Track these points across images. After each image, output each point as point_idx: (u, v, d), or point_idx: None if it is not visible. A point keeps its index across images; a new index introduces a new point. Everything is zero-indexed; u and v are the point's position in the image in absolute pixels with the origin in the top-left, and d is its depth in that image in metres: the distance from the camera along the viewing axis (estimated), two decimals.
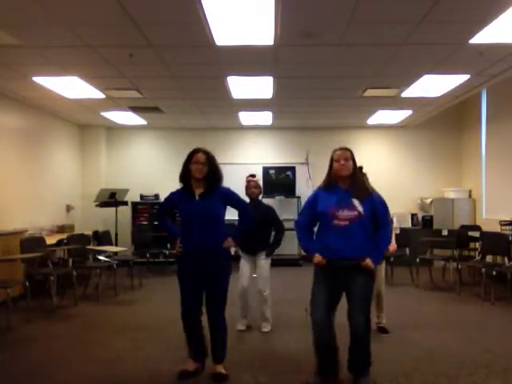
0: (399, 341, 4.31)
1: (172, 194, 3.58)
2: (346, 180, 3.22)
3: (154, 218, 9.30)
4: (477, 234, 7.30)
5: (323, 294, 3.20)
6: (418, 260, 7.01)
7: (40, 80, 5.90)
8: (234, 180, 10.91)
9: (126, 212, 9.08)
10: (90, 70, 5.48)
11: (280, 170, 9.71)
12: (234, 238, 3.55)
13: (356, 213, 3.12)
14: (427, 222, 9.07)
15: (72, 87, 6.24)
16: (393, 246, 4.63)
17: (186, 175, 3.45)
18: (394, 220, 4.84)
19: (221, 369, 3.42)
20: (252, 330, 4.68)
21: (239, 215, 3.65)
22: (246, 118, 8.67)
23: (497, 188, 8.13)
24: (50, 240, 6.57)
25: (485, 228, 7.70)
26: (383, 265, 4.66)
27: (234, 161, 9.57)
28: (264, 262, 4.64)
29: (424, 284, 6.98)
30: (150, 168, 9.68)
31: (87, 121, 8.99)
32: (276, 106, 7.69)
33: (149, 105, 7.46)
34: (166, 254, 8.40)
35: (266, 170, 9.57)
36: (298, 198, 9.44)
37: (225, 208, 3.51)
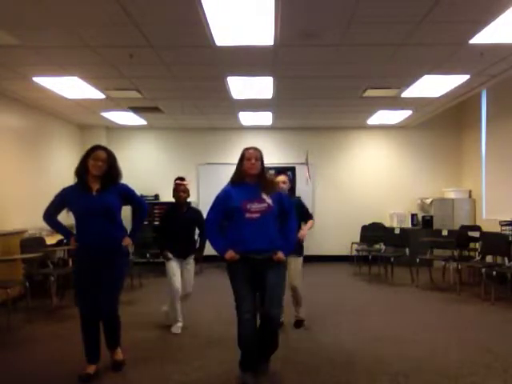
0: (399, 341, 4.31)
1: (64, 190, 3.47)
2: (254, 178, 3.37)
3: (153, 218, 9.31)
4: (477, 235, 7.30)
5: (247, 289, 3.28)
6: (418, 260, 7.01)
7: (40, 80, 5.90)
8: None
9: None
10: (90, 70, 5.47)
11: (280, 170, 9.68)
12: (132, 237, 3.55)
13: (266, 205, 3.29)
14: (427, 222, 9.06)
15: (72, 87, 6.24)
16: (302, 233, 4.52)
17: (82, 170, 3.40)
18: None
19: (120, 354, 3.57)
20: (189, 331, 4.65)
21: (135, 212, 3.66)
22: (246, 118, 8.67)
23: (497, 188, 8.13)
24: (50, 240, 6.57)
25: (485, 228, 7.70)
26: (300, 259, 4.63)
27: (233, 161, 9.45)
28: (191, 265, 4.70)
29: (424, 284, 6.98)
30: (150, 168, 9.67)
31: (87, 121, 8.99)
32: (276, 107, 7.69)
33: (149, 105, 7.46)
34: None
35: (265, 170, 9.56)
36: (298, 198, 9.42)
37: (122, 204, 3.48)
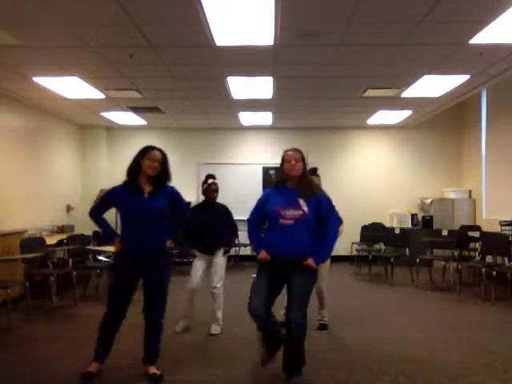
0: (399, 341, 4.31)
1: (114, 189, 3.40)
2: (295, 180, 3.30)
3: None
4: (477, 235, 7.30)
5: (263, 283, 3.27)
6: (418, 260, 7.01)
7: (40, 80, 5.90)
8: (234, 180, 10.90)
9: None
10: (90, 70, 5.48)
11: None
12: (171, 237, 3.55)
13: (301, 212, 3.21)
14: (427, 222, 9.06)
15: (72, 87, 6.24)
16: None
17: (135, 170, 3.34)
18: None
19: (155, 369, 3.41)
20: (191, 331, 4.61)
21: (175, 215, 3.57)
22: (246, 118, 8.67)
23: (497, 188, 8.13)
24: (50, 240, 6.58)
25: (485, 228, 7.70)
26: (327, 263, 4.58)
27: (234, 161, 9.57)
28: (221, 259, 4.64)
29: (424, 284, 6.98)
30: None
31: (87, 121, 8.99)
32: (276, 107, 7.69)
33: (149, 105, 7.46)
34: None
35: (265, 170, 9.58)
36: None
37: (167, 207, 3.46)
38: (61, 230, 7.82)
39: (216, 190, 4.67)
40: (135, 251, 3.32)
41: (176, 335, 4.47)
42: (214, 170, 9.66)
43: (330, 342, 4.31)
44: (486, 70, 5.59)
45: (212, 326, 4.58)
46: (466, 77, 5.90)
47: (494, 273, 5.83)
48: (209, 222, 4.59)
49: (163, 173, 3.38)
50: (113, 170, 9.73)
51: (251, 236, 3.47)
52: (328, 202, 3.35)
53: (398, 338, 4.38)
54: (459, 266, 6.68)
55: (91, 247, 6.92)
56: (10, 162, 6.83)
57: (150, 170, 3.30)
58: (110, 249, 7.14)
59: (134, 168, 3.35)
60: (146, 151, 3.35)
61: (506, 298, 5.88)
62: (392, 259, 7.28)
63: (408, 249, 7.37)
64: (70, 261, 6.31)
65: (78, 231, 7.89)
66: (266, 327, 3.31)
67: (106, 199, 3.48)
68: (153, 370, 3.40)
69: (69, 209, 8.67)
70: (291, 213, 3.21)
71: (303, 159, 3.34)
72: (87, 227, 8.43)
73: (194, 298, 4.62)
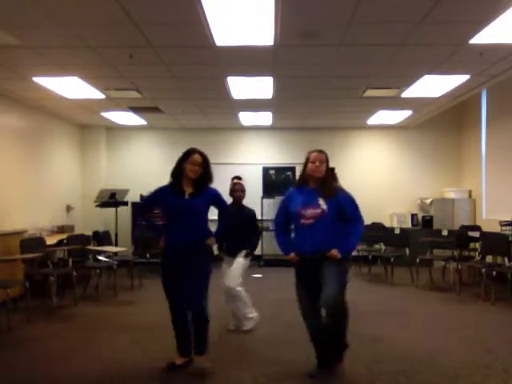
0: (399, 341, 4.31)
1: (159, 190, 3.61)
2: (318, 181, 3.35)
3: (154, 218, 9.30)
4: (477, 235, 7.29)
5: (304, 289, 3.38)
6: (418, 260, 7.00)
7: (40, 80, 5.90)
8: None
9: (126, 212, 9.07)
10: (90, 70, 5.48)
11: (280, 170, 9.72)
12: (215, 237, 3.64)
13: (320, 211, 3.27)
14: (427, 222, 9.06)
15: (72, 87, 6.24)
16: None
17: (178, 173, 3.51)
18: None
19: (202, 361, 3.49)
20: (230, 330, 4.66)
21: (220, 216, 3.75)
22: (246, 118, 8.67)
23: (497, 188, 8.13)
24: (50, 240, 6.57)
25: (485, 228, 7.70)
26: None
27: (234, 161, 9.58)
28: (241, 259, 4.64)
29: (424, 284, 6.98)
30: (150, 168, 9.66)
31: (87, 121, 8.99)
32: (276, 107, 7.69)
33: (149, 105, 7.46)
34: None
35: (265, 170, 9.58)
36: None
37: (209, 207, 3.61)
38: (61, 230, 7.81)
39: (240, 190, 4.69)
40: (176, 248, 3.47)
41: (226, 333, 4.52)
42: (214, 170, 9.68)
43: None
44: (486, 70, 5.59)
45: (238, 323, 4.64)
46: (466, 77, 5.90)
47: (494, 273, 5.83)
48: (234, 224, 4.51)
49: (205, 175, 3.52)
50: (113, 170, 9.75)
51: (278, 237, 3.53)
52: (352, 201, 3.39)
53: (398, 338, 4.38)
54: (459, 266, 6.67)
55: (91, 247, 6.93)
56: (9, 162, 6.83)
57: (191, 174, 3.47)
58: (110, 249, 7.16)
59: (177, 171, 3.52)
60: (187, 155, 3.50)
61: (506, 298, 5.87)
62: (392, 259, 7.28)
63: (408, 249, 7.36)
64: (70, 261, 6.31)
65: (77, 231, 7.90)
66: (318, 331, 3.37)
67: (152, 198, 3.68)
68: (200, 361, 3.50)
69: (69, 209, 8.67)
70: (311, 212, 3.27)
71: (327, 160, 3.39)
72: (87, 227, 8.48)
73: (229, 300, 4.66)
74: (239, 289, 4.58)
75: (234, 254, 4.65)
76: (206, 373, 3.44)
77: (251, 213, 4.80)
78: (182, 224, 3.46)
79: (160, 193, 3.59)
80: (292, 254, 3.38)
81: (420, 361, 3.77)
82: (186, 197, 3.48)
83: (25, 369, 3.68)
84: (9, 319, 4.75)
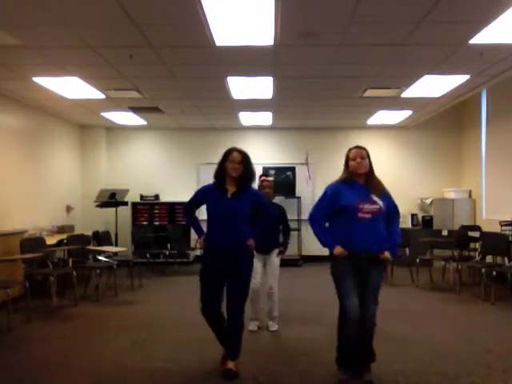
0: (399, 341, 4.31)
1: (205, 188, 3.63)
2: (363, 177, 3.31)
3: (154, 218, 9.32)
4: (477, 235, 7.29)
5: (352, 284, 3.23)
6: (418, 260, 7.00)
7: (40, 80, 5.90)
8: None
9: (126, 212, 9.08)
10: (90, 70, 5.47)
11: (280, 170, 9.72)
12: (255, 238, 3.60)
13: (378, 207, 3.23)
14: (427, 222, 9.06)
15: (72, 87, 6.24)
16: None
17: (221, 172, 3.52)
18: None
19: (232, 365, 3.45)
20: (261, 330, 4.68)
21: (258, 216, 3.67)
22: (246, 118, 8.67)
23: (497, 188, 8.13)
24: (50, 240, 6.58)
25: (485, 228, 7.69)
26: None
27: None
28: (276, 259, 4.71)
29: (424, 284, 6.98)
30: (150, 168, 9.68)
31: (87, 121, 8.99)
32: (276, 107, 7.69)
33: (149, 105, 7.46)
34: (166, 255, 8.43)
35: (265, 170, 9.57)
36: (298, 198, 9.45)
37: (251, 207, 3.55)
38: (61, 230, 7.81)
39: (268, 187, 4.70)
40: (216, 247, 3.47)
41: (249, 334, 4.47)
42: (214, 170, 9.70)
43: (330, 343, 4.30)
44: (486, 70, 5.59)
45: (269, 322, 4.69)
46: (466, 77, 5.90)
47: (494, 273, 5.84)
48: (265, 222, 4.58)
49: (246, 173, 3.52)
50: (113, 170, 9.75)
51: (321, 232, 3.36)
52: (393, 201, 3.39)
53: (398, 338, 4.38)
54: (459, 266, 6.67)
55: (91, 247, 6.93)
56: (10, 162, 6.83)
57: (233, 172, 3.47)
58: (110, 249, 7.16)
59: (220, 172, 3.53)
60: (227, 155, 3.52)
61: (506, 298, 5.87)
62: (392, 259, 7.27)
63: (408, 249, 7.36)
64: (70, 261, 6.31)
65: (77, 231, 7.90)
66: (356, 333, 3.27)
67: (198, 195, 3.67)
68: (230, 365, 3.46)
69: (69, 209, 8.67)
70: (368, 207, 3.21)
71: (368, 156, 3.34)
72: (87, 227, 8.48)
73: (259, 298, 4.68)
74: (277, 289, 4.67)
75: (264, 252, 4.64)
76: (238, 377, 3.41)
77: (281, 209, 4.82)
78: (223, 223, 3.45)
79: (203, 193, 3.61)
80: (339, 248, 3.22)
81: (420, 361, 3.77)
82: (229, 196, 3.48)
83: (25, 369, 3.68)
84: (9, 319, 4.76)
